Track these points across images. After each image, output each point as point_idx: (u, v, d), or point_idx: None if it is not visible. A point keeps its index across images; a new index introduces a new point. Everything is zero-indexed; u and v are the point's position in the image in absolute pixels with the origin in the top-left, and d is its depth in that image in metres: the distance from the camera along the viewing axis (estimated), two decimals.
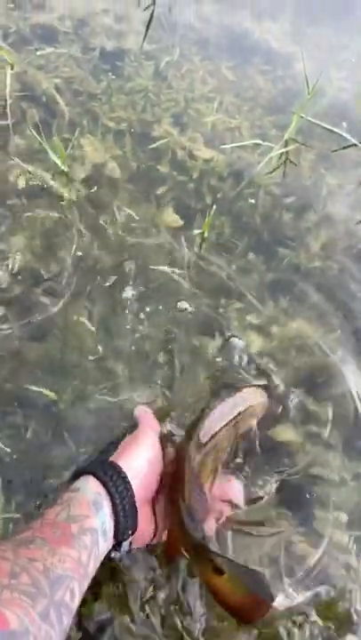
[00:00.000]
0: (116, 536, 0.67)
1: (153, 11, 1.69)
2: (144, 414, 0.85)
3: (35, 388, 0.98)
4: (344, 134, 1.39)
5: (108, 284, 1.15)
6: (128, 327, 1.10)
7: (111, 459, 0.72)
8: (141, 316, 1.11)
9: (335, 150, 1.43)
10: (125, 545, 0.71)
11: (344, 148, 1.41)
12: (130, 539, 0.70)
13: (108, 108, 1.43)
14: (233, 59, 1.65)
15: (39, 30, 1.58)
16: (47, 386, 0.99)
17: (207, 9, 1.75)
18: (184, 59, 1.61)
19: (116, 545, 0.69)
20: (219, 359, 1.08)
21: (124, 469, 0.69)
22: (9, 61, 1.42)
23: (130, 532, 0.69)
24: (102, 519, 0.64)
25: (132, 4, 1.71)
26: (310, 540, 0.90)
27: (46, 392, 0.98)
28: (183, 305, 1.14)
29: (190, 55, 1.62)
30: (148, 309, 1.12)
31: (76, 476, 0.70)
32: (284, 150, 1.39)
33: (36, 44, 1.54)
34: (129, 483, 0.68)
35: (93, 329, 1.08)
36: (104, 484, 0.66)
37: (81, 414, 0.98)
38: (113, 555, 0.71)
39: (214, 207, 1.18)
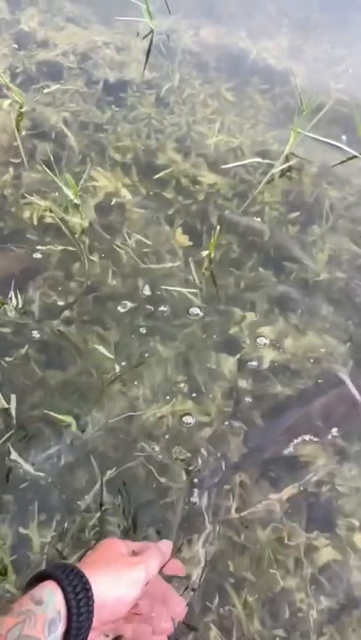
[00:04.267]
0: None
1: (152, 39, 1.75)
2: (157, 551, 0.77)
3: (58, 415, 1.04)
4: (343, 147, 1.43)
5: (122, 309, 1.20)
6: (143, 348, 1.15)
7: (94, 574, 0.64)
8: (156, 337, 1.17)
9: (335, 165, 1.46)
10: None
11: (342, 162, 1.45)
12: None
13: (115, 138, 1.49)
14: (232, 79, 1.70)
15: (45, 68, 1.65)
16: (69, 411, 1.05)
17: (204, 32, 1.81)
18: (184, 83, 1.66)
19: None
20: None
21: (96, 595, 0.62)
22: (19, 101, 1.50)
23: None
24: None
25: (131, 33, 1.78)
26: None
27: (68, 419, 1.04)
28: (195, 320, 1.19)
29: (190, 80, 1.68)
30: (161, 330, 1.17)
31: (49, 576, 0.63)
32: (285, 166, 1.43)
33: (42, 81, 1.61)
34: (92, 612, 0.62)
35: (112, 354, 1.13)
36: (67, 605, 0.60)
37: (103, 436, 1.03)
38: None
39: (218, 228, 1.23)
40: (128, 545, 0.76)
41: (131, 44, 1.76)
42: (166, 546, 0.81)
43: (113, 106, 1.57)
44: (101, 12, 1.85)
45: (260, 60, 1.75)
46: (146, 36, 1.75)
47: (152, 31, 1.74)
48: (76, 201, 1.30)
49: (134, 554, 0.75)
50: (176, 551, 0.90)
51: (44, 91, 1.55)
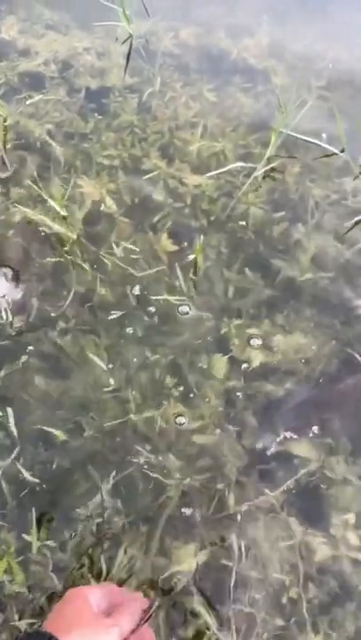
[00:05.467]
0: None
1: (131, 43, 1.76)
2: (131, 609, 0.75)
3: (51, 429, 1.08)
4: (323, 145, 1.45)
5: (113, 317, 1.23)
6: (135, 355, 1.18)
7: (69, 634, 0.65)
8: (147, 343, 1.20)
9: (316, 159, 1.48)
10: None
11: (323, 157, 1.47)
12: None
13: (100, 147, 1.51)
14: (214, 80, 1.71)
15: (27, 78, 1.66)
16: (64, 419, 1.09)
17: (184, 34, 1.81)
18: (166, 87, 1.67)
19: None
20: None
21: None
22: (2, 114, 1.51)
23: None
24: None
25: (111, 38, 1.78)
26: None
27: (64, 428, 1.08)
28: (185, 323, 1.22)
29: (172, 82, 1.69)
30: (152, 336, 1.20)
31: None
32: (268, 168, 1.44)
33: (24, 92, 1.62)
34: None
35: (104, 362, 1.17)
36: None
37: (98, 442, 1.07)
38: None
39: (202, 237, 1.26)
40: (99, 599, 0.74)
41: (111, 49, 1.76)
42: (142, 602, 0.79)
43: (96, 114, 1.59)
44: (80, 18, 1.85)
45: (241, 59, 1.76)
46: (125, 40, 1.76)
47: (131, 36, 1.74)
48: (62, 213, 1.32)
49: (107, 609, 0.74)
50: (155, 608, 0.86)
51: (27, 102, 1.57)
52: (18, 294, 1.25)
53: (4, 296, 1.24)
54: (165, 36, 1.79)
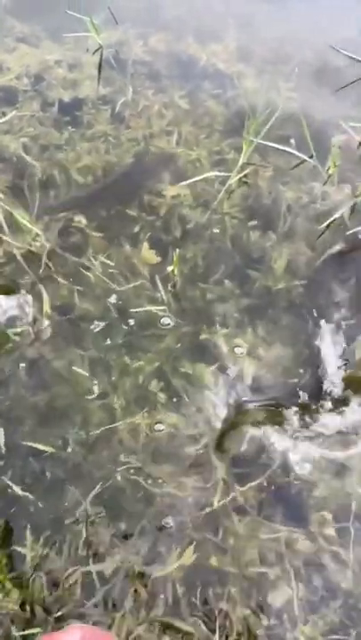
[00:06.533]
0: None
1: (102, 53, 1.77)
2: None
3: (38, 445, 1.12)
4: (292, 151, 1.48)
5: (95, 328, 1.26)
6: (118, 364, 1.22)
7: None
8: (130, 352, 1.23)
9: (290, 169, 1.52)
10: None
11: (294, 167, 1.51)
12: None
13: (74, 158, 1.54)
14: (185, 86, 1.73)
15: (0, 93, 1.67)
16: (50, 432, 1.12)
17: (153, 40, 1.83)
18: (138, 95, 1.70)
19: None
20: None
21: None
22: None
23: None
24: None
25: (81, 49, 1.79)
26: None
27: (48, 448, 1.11)
28: (167, 331, 1.26)
29: (144, 90, 1.71)
30: (134, 345, 1.24)
31: None
32: (241, 175, 1.48)
33: None
34: None
35: (87, 372, 1.20)
36: None
37: (85, 453, 1.11)
38: None
39: (178, 251, 1.30)
40: None
41: (82, 60, 1.78)
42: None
43: (70, 127, 1.61)
44: (51, 28, 1.86)
45: (210, 65, 1.78)
46: (95, 51, 1.77)
47: (101, 46, 1.76)
48: (36, 230, 1.35)
49: None
50: None
51: (1, 120, 1.58)
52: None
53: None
54: (135, 44, 1.81)
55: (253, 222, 1.44)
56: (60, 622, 0.95)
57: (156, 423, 1.16)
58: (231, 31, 1.86)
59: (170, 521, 1.05)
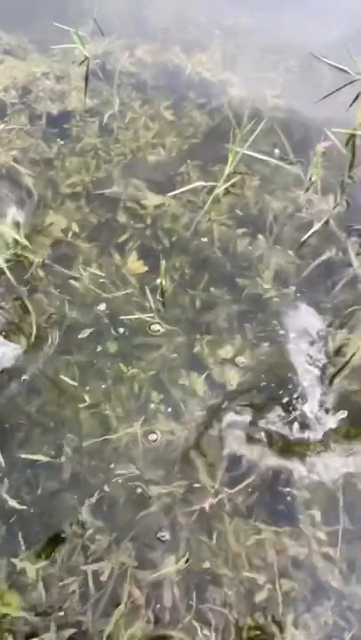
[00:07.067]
0: None
1: (88, 65, 1.80)
2: None
3: (32, 456, 1.15)
4: (277, 162, 1.51)
5: (84, 336, 1.29)
6: (110, 371, 1.25)
7: None
8: (121, 359, 1.26)
9: (278, 179, 1.56)
10: None
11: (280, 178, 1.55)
12: None
13: (64, 174, 1.56)
14: (170, 97, 1.76)
15: None
16: (45, 442, 1.15)
17: (139, 51, 1.86)
18: (125, 107, 1.72)
19: None
20: None
21: None
22: None
23: None
24: None
25: (68, 61, 1.82)
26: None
27: (43, 457, 1.14)
28: (158, 341, 1.29)
29: (130, 102, 1.74)
30: (125, 353, 1.27)
31: None
32: (228, 185, 1.51)
33: None
34: None
35: (76, 382, 1.23)
36: None
37: (78, 463, 1.14)
38: None
39: (163, 263, 1.32)
40: None
41: (69, 72, 1.80)
42: None
43: (59, 139, 1.63)
44: (38, 40, 1.88)
45: (196, 74, 1.81)
46: (81, 62, 1.79)
47: (87, 58, 1.78)
48: (26, 243, 1.38)
49: None
50: None
51: None
52: None
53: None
54: (122, 55, 1.83)
55: (241, 230, 1.47)
56: (60, 630, 0.98)
57: (149, 433, 1.19)
58: (216, 40, 1.88)
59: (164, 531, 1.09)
